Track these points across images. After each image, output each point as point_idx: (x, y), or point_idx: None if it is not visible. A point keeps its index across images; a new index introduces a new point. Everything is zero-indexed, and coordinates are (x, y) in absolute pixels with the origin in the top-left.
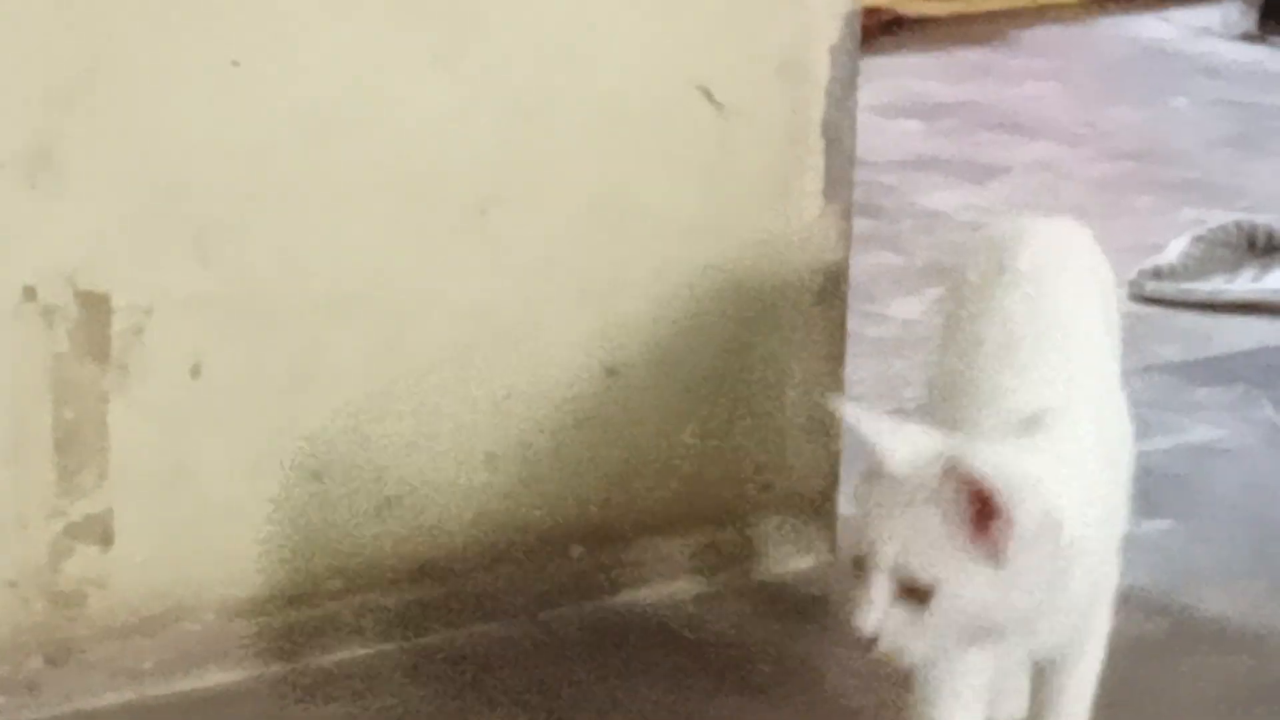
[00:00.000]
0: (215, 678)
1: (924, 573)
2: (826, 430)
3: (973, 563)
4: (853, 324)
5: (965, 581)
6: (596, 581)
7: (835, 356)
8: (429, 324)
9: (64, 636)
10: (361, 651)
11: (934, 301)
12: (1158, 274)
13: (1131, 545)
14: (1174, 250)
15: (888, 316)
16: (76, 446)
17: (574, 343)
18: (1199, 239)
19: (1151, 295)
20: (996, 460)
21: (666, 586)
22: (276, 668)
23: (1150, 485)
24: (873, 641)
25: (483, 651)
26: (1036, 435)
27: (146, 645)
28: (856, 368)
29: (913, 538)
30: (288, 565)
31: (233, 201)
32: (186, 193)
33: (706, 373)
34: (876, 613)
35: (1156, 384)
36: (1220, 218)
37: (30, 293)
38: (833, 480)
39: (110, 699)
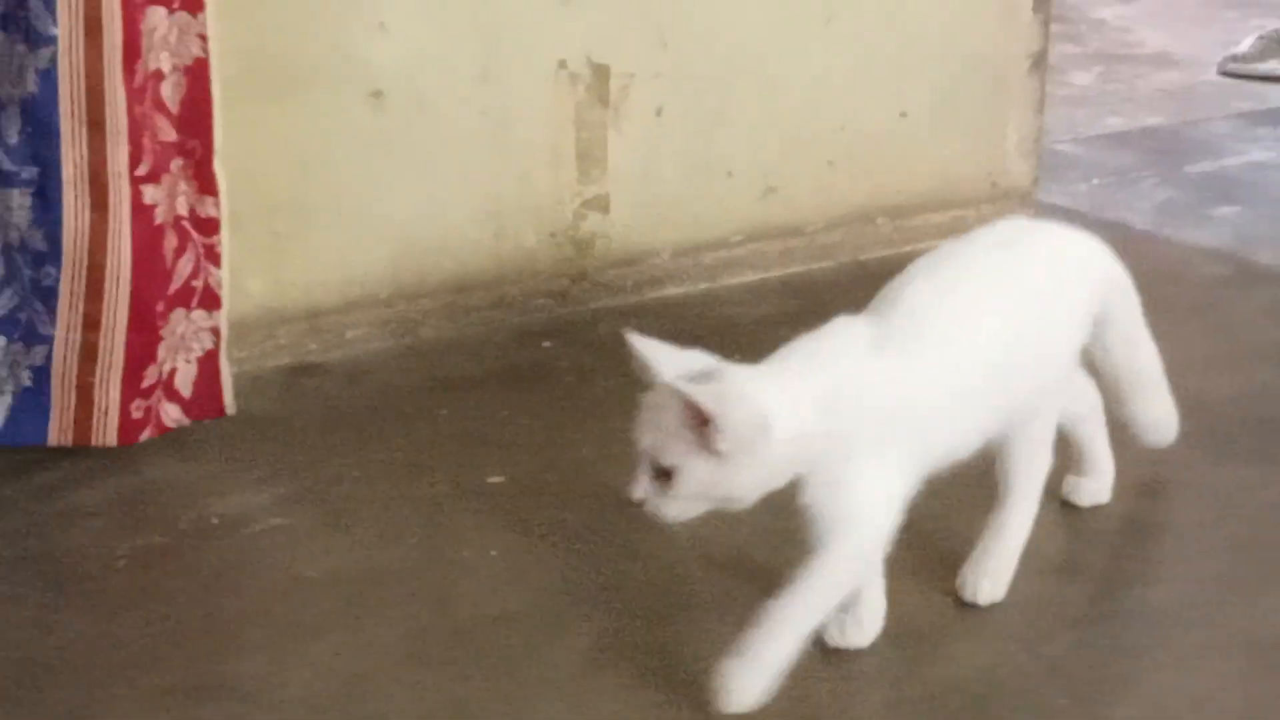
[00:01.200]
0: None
1: (665, 460)
2: (1031, 153)
3: (697, 455)
4: (1049, 88)
5: (693, 468)
6: None
7: (1038, 108)
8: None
9: (581, 267)
10: None
11: None
12: (1235, 59)
13: (1210, 224)
14: (1245, 44)
15: (1070, 84)
16: (589, 156)
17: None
18: (1262, 37)
19: (1231, 72)
20: (721, 381)
21: None
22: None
23: (1225, 185)
24: (640, 503)
25: None
26: (805, 361)
27: (629, 272)
28: (1051, 116)
29: (660, 434)
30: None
31: (681, 11)
32: (653, 5)
33: (970, 110)
34: (640, 486)
35: (1231, 125)
36: (1276, 24)
37: (562, 64)
38: (1034, 181)
39: (609, 304)
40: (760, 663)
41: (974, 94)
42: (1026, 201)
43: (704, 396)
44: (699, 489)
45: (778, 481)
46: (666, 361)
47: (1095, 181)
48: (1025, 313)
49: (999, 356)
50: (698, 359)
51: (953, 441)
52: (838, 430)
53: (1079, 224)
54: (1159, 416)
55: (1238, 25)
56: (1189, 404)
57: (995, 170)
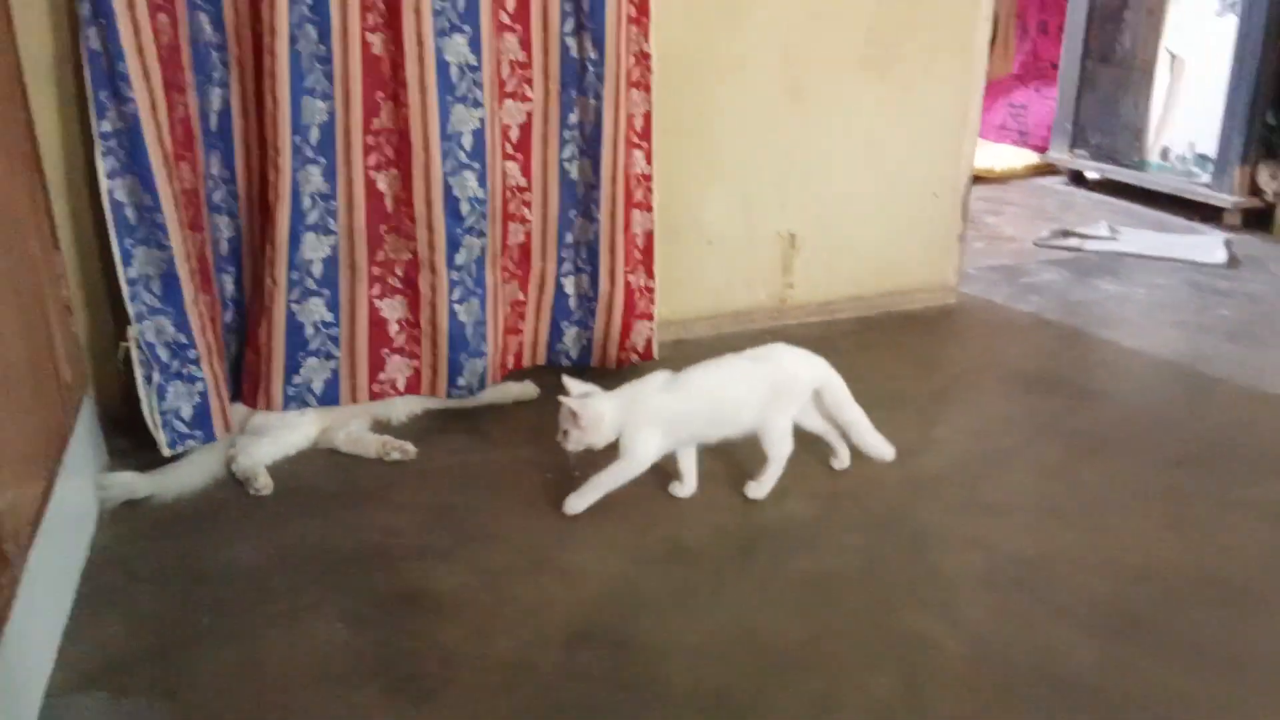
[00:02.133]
0: (849, 312)
1: (565, 427)
2: (957, 273)
3: (576, 427)
4: (966, 248)
5: (574, 432)
6: None
7: (961, 255)
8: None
9: (781, 309)
10: None
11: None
12: (1041, 239)
13: (1027, 303)
14: (1046, 232)
15: (973, 247)
16: (787, 258)
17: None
18: (1053, 232)
19: (1039, 244)
20: (586, 399)
21: None
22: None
23: (1033, 288)
24: (559, 442)
25: None
26: (627, 392)
27: (813, 311)
28: (966, 259)
29: (564, 418)
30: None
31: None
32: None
33: (932, 258)
34: (560, 435)
35: (1037, 265)
36: (1061, 226)
37: (781, 235)
38: (957, 284)
39: (804, 321)
40: (588, 496)
41: (933, 251)
42: (954, 292)
43: (575, 405)
44: (577, 440)
45: (611, 440)
46: (573, 387)
47: (981, 285)
48: (737, 390)
49: (711, 406)
50: (589, 387)
51: (689, 435)
52: (633, 419)
53: (977, 305)
54: (875, 445)
55: (1045, 226)
56: (1010, 368)
57: (943, 280)
